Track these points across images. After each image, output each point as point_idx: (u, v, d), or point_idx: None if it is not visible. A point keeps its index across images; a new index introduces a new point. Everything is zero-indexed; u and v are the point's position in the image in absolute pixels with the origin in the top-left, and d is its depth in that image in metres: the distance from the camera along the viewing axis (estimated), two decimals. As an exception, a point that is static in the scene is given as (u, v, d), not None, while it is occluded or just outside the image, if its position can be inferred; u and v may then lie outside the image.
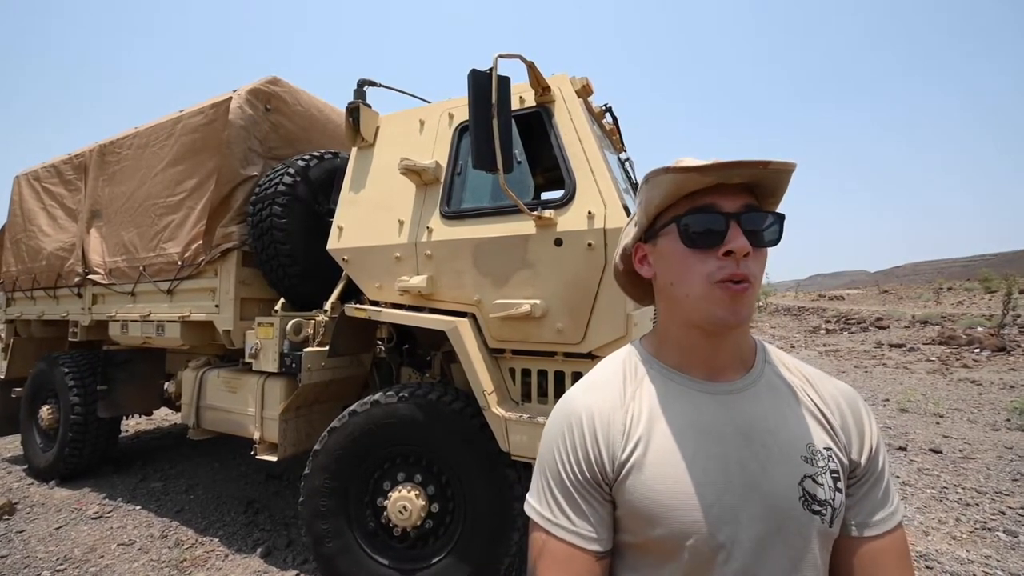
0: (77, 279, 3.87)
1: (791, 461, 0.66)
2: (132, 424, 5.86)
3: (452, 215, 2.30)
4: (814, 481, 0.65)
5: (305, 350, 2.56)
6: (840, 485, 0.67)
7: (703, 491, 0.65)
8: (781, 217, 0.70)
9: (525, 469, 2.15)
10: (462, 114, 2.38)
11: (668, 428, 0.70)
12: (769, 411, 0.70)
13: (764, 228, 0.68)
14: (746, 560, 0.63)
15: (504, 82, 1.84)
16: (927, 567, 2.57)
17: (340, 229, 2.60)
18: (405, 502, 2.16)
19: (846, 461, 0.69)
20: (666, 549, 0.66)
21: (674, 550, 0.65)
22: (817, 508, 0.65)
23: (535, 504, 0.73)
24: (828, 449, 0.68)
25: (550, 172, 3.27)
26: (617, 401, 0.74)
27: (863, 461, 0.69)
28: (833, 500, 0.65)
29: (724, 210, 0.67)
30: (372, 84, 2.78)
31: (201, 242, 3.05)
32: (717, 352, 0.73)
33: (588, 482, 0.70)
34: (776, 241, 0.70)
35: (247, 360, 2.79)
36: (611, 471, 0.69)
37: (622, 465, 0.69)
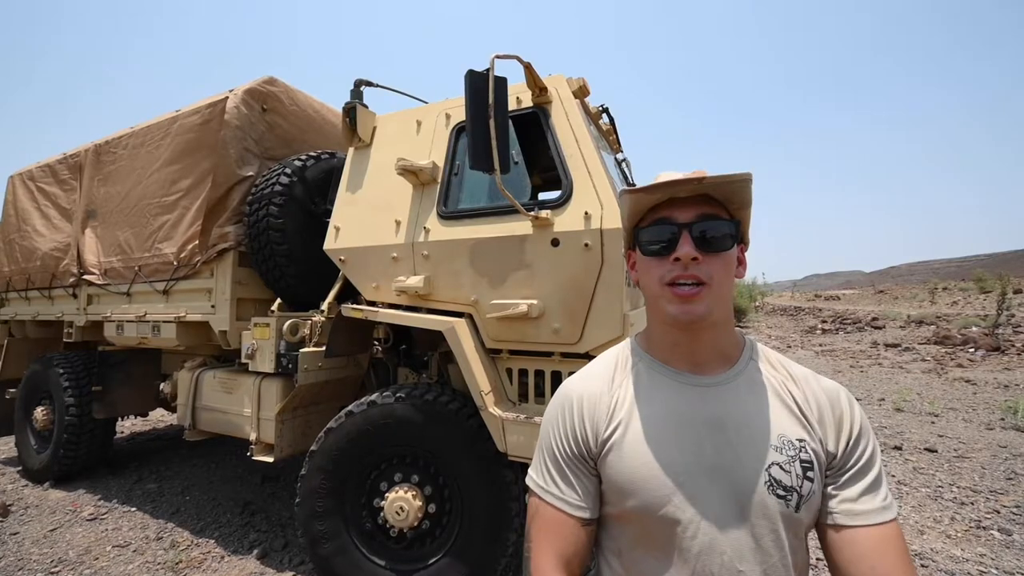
0: (72, 279, 3.85)
1: (761, 449, 0.73)
2: (127, 425, 5.83)
3: (449, 215, 2.30)
4: (781, 468, 0.71)
5: (302, 351, 2.55)
6: (811, 475, 0.72)
7: (673, 469, 0.73)
8: (735, 223, 0.77)
9: (522, 469, 2.15)
10: (459, 114, 2.38)
11: (648, 412, 0.78)
12: (745, 403, 0.77)
13: (717, 235, 0.75)
14: (712, 535, 0.70)
15: (501, 83, 1.84)
16: (922, 566, 2.58)
17: (337, 229, 2.60)
18: (402, 503, 2.16)
19: (822, 453, 0.74)
20: (639, 519, 0.75)
21: (646, 521, 0.74)
22: (782, 493, 0.71)
23: (533, 474, 0.86)
24: (801, 440, 0.74)
25: (547, 173, 3.27)
26: (605, 387, 0.84)
27: (839, 453, 0.74)
28: (800, 487, 0.71)
29: (677, 221, 0.76)
30: (369, 84, 2.78)
31: (197, 242, 3.04)
32: (696, 348, 0.80)
33: (575, 456, 0.81)
34: (728, 247, 0.76)
35: (243, 361, 2.77)
36: (595, 447, 0.80)
37: (604, 442, 0.79)
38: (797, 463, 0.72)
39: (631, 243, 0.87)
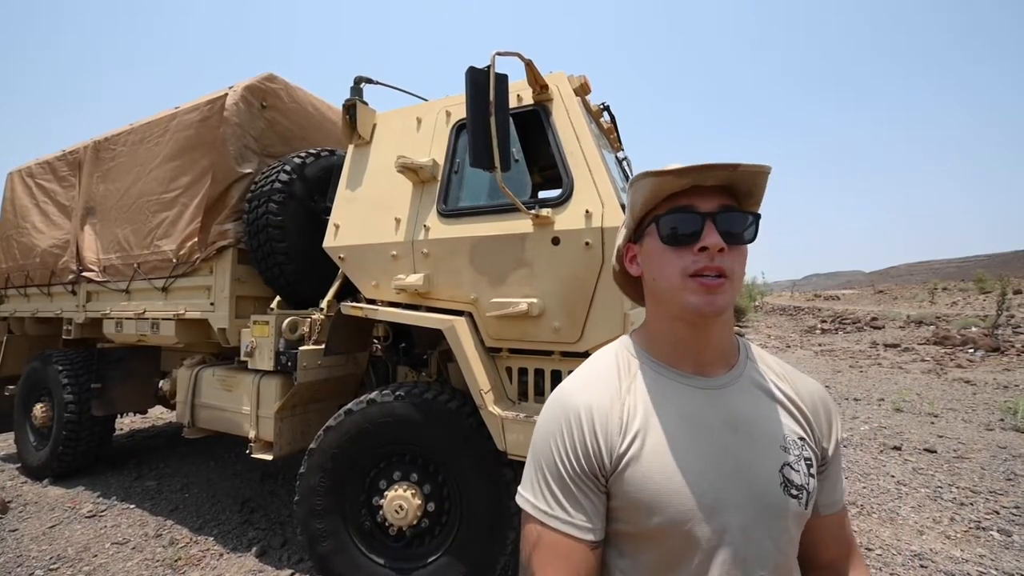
0: (71, 276, 3.84)
1: (772, 450, 0.73)
2: (127, 422, 5.82)
3: (449, 213, 2.29)
4: (791, 468, 0.72)
5: (301, 348, 2.55)
6: (813, 471, 0.74)
7: (697, 480, 0.69)
8: (757, 216, 0.75)
9: (521, 468, 2.15)
10: (459, 112, 2.37)
11: (663, 422, 0.73)
12: (751, 405, 0.76)
13: (740, 227, 0.73)
14: (736, 544, 0.68)
15: (502, 80, 1.83)
16: (921, 566, 2.58)
17: (336, 227, 2.59)
18: (401, 501, 2.16)
19: (817, 450, 0.77)
20: (663, 537, 0.69)
21: (671, 537, 0.69)
22: (795, 492, 0.71)
23: (529, 497, 0.75)
24: (801, 439, 0.75)
25: (547, 171, 3.26)
26: (614, 395, 0.76)
27: (831, 451, 0.79)
28: (808, 485, 0.72)
29: (700, 210, 0.72)
30: (369, 81, 2.77)
31: (196, 239, 3.03)
32: (702, 347, 0.77)
33: (586, 475, 0.72)
34: (751, 239, 0.74)
35: (242, 358, 2.77)
36: (609, 464, 0.72)
37: (620, 458, 0.72)
38: (803, 461, 0.73)
39: (635, 234, 0.82)
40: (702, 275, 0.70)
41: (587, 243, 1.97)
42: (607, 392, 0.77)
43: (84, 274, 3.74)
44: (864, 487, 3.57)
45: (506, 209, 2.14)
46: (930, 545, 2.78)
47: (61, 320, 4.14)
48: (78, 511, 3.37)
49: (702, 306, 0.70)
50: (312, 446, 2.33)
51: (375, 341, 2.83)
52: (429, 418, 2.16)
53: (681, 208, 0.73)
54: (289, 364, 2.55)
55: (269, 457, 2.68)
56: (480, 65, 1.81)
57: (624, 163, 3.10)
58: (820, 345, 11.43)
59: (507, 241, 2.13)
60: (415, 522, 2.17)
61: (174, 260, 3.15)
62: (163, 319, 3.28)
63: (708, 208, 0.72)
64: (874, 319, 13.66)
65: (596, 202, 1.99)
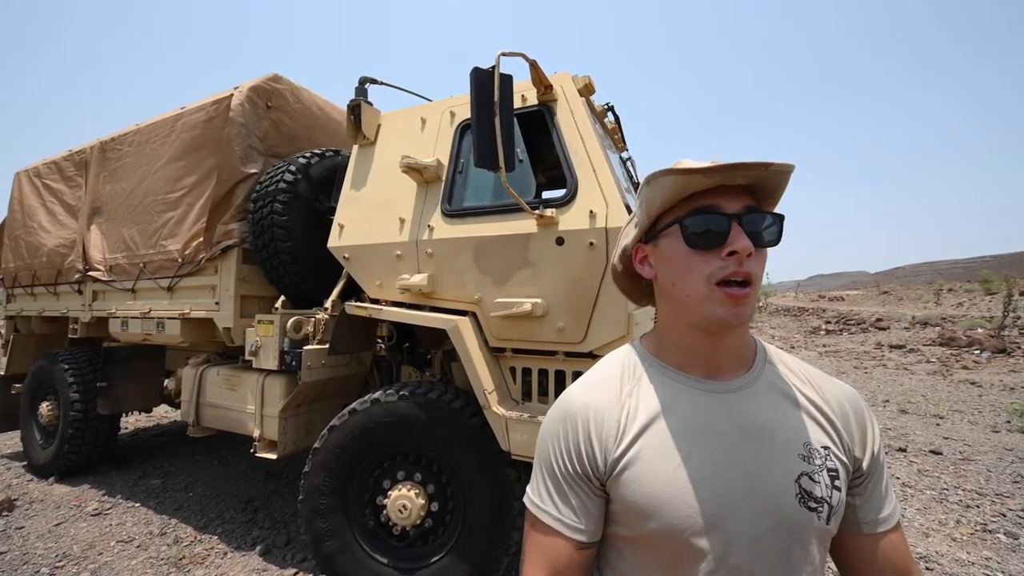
0: (77, 276, 3.87)
1: (788, 459, 0.68)
2: (132, 421, 5.86)
3: (453, 213, 2.29)
4: (811, 479, 0.66)
5: (305, 348, 2.56)
6: (839, 484, 0.68)
7: (699, 487, 0.66)
8: (780, 218, 0.71)
9: (525, 468, 2.15)
10: (464, 112, 2.37)
11: (665, 425, 0.71)
12: (767, 410, 0.71)
13: (764, 228, 0.69)
14: (743, 555, 0.64)
15: (506, 80, 1.83)
16: (927, 569, 2.57)
17: (341, 227, 2.60)
18: (405, 501, 2.16)
19: (847, 461, 0.70)
20: (662, 543, 0.67)
21: (670, 544, 0.67)
22: (813, 505, 0.66)
23: (529, 490, 0.79)
24: (826, 448, 0.69)
25: (552, 171, 3.26)
26: (613, 399, 0.75)
27: (866, 461, 0.71)
28: (830, 498, 0.66)
29: (726, 211, 0.68)
30: (373, 82, 2.78)
31: (201, 239, 3.05)
32: (716, 352, 0.74)
33: (578, 475, 0.73)
34: (776, 241, 0.71)
35: (247, 358, 2.78)
36: (603, 467, 0.71)
37: (616, 461, 0.71)
38: (824, 472, 0.67)
39: (647, 235, 0.78)
40: (729, 283, 0.67)
41: (591, 243, 1.97)
42: (607, 395, 0.76)
43: (90, 273, 3.76)
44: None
45: (510, 209, 2.15)
46: (936, 547, 2.76)
47: (67, 319, 4.16)
48: (84, 509, 3.39)
49: (728, 318, 0.67)
50: (316, 445, 2.34)
51: (379, 341, 2.83)
52: (433, 418, 2.17)
53: (705, 209, 0.69)
54: (293, 363, 2.56)
55: (273, 456, 2.68)
56: (485, 65, 1.82)
57: (628, 163, 3.10)
58: (825, 346, 11.39)
59: (511, 241, 2.13)
60: (419, 522, 2.17)
61: (179, 260, 3.17)
62: (168, 318, 3.30)
63: (734, 209, 0.68)
64: (879, 320, 13.61)
65: (600, 202, 1.99)
